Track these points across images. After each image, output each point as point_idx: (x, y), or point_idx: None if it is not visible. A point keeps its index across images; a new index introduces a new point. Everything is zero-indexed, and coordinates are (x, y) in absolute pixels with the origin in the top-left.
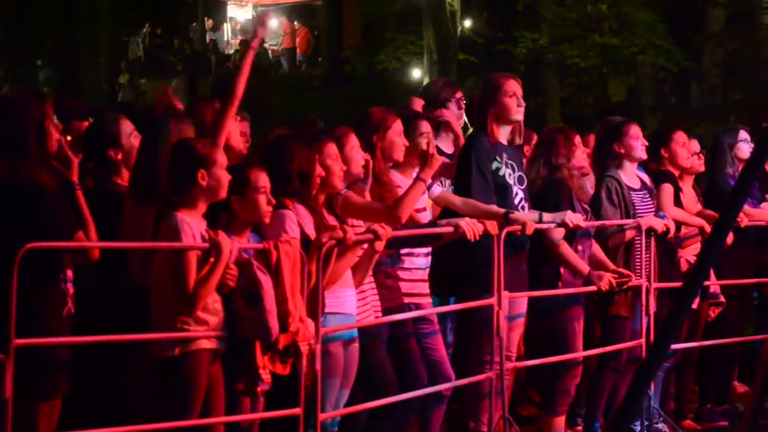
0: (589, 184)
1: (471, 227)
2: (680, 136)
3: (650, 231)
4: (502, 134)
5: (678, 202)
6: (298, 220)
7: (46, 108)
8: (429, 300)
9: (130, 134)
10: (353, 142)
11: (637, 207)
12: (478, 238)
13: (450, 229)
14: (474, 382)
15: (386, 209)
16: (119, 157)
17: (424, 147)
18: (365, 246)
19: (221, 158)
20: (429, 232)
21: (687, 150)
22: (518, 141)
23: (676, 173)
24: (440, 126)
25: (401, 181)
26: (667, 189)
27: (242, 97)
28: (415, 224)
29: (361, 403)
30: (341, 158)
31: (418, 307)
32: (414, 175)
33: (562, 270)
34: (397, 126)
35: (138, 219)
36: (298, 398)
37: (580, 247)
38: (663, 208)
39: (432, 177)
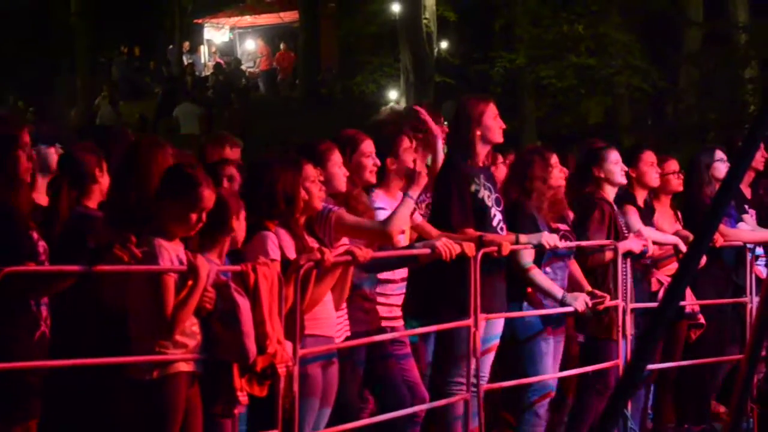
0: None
1: (447, 248)
2: (649, 156)
3: (628, 253)
4: (483, 156)
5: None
6: (279, 242)
7: (19, 135)
8: (401, 323)
9: (100, 160)
10: (336, 158)
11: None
12: (454, 257)
13: (427, 250)
14: (448, 404)
15: (378, 226)
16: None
17: (410, 164)
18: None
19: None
20: (406, 253)
21: (655, 170)
22: (489, 162)
23: (645, 193)
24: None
25: (385, 201)
26: (632, 210)
27: (218, 121)
28: (393, 247)
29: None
30: (324, 174)
31: (393, 330)
32: (399, 193)
33: (529, 290)
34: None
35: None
36: (276, 420)
37: (548, 269)
38: (634, 228)
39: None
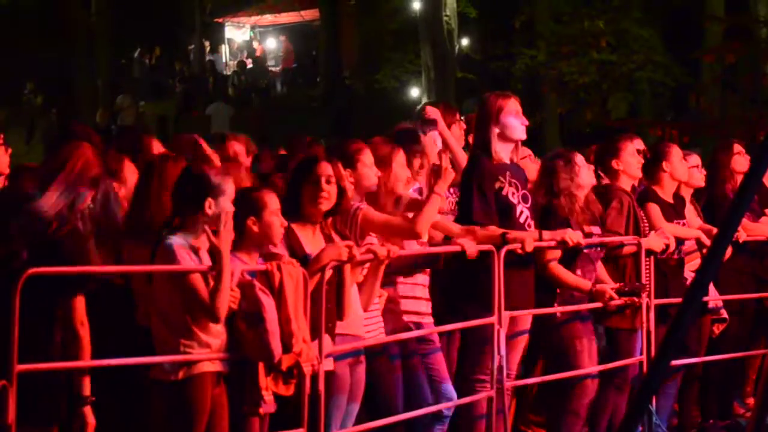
0: None
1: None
2: (677, 151)
3: (650, 251)
4: (505, 153)
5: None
6: (299, 240)
7: None
8: (430, 320)
9: (131, 171)
10: (366, 158)
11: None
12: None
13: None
14: (472, 402)
15: (405, 224)
16: (122, 192)
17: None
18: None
19: (230, 190)
20: (446, 250)
21: (685, 165)
22: (516, 159)
23: (675, 186)
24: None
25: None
26: (654, 208)
27: (240, 120)
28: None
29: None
30: (354, 174)
31: (419, 326)
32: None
33: (558, 291)
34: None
35: (136, 257)
36: (302, 419)
37: (579, 272)
38: (656, 226)
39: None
